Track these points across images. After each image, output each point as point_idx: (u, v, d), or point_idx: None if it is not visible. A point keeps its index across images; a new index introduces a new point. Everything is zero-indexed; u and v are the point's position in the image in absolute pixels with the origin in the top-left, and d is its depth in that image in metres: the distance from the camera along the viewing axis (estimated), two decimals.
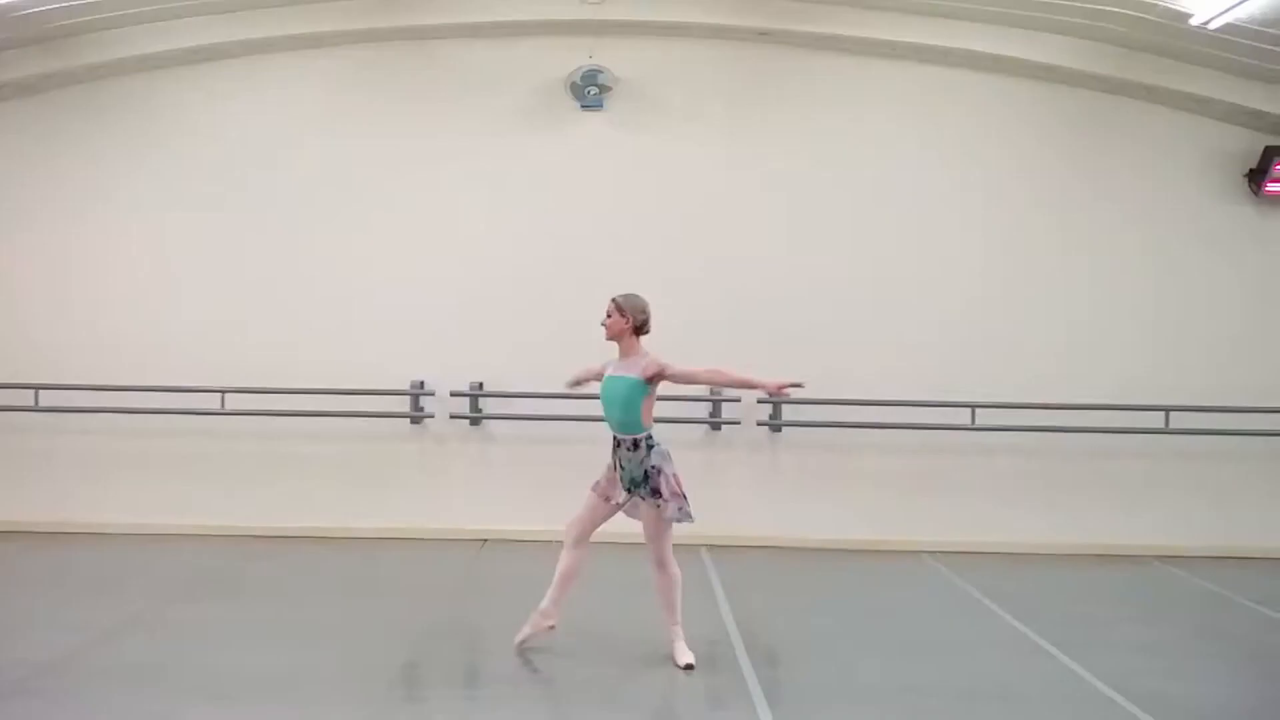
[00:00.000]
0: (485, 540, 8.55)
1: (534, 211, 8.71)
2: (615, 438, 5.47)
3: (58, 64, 8.47)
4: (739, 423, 8.66)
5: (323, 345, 8.68)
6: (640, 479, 5.40)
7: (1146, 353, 8.69)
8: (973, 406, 8.52)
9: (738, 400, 8.61)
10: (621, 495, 5.49)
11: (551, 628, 5.66)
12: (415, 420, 8.71)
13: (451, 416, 8.67)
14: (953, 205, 8.74)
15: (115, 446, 8.71)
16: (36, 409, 8.65)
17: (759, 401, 8.59)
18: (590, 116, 8.67)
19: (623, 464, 5.45)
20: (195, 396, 8.59)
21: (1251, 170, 8.61)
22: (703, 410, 8.64)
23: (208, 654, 5.61)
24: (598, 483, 5.64)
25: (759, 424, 8.66)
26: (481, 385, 8.70)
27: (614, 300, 5.53)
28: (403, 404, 8.72)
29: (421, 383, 8.71)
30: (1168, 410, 8.55)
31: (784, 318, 8.57)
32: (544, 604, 5.66)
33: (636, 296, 5.53)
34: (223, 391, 8.57)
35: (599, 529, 5.69)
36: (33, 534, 8.51)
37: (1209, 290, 8.74)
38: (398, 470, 8.73)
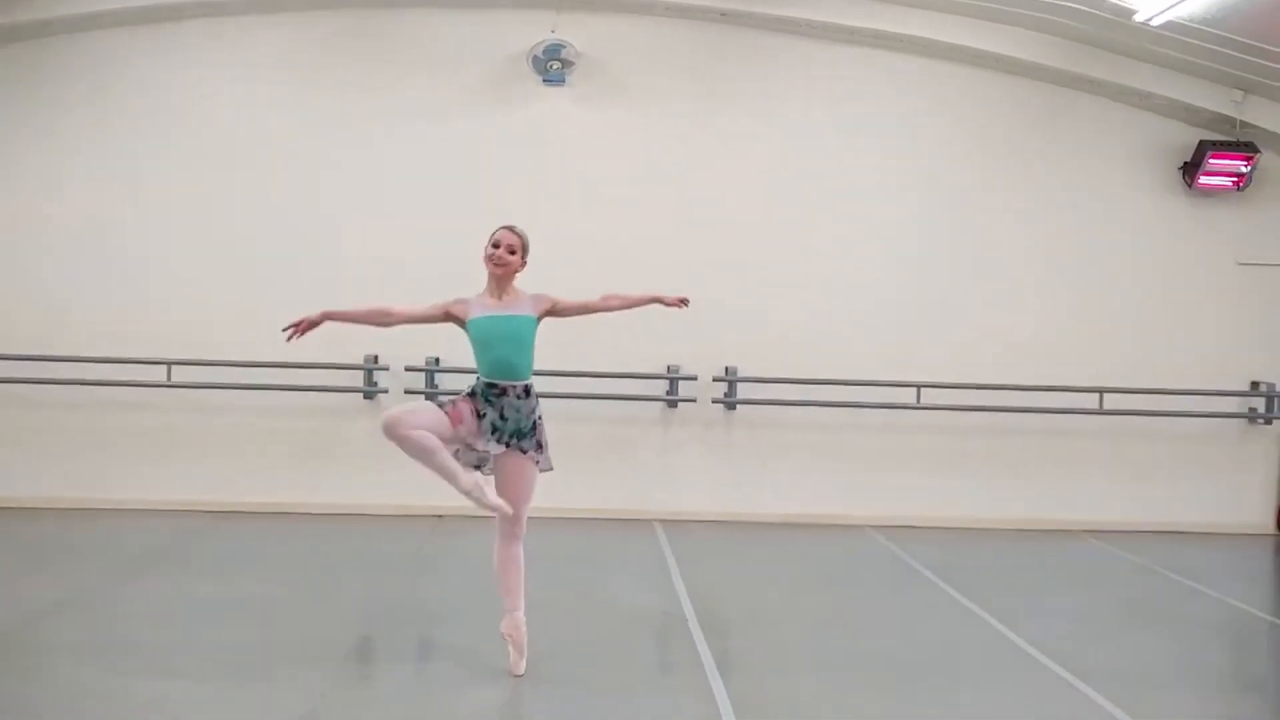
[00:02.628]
0: (440, 516, 8.59)
1: (492, 185, 8.68)
2: (500, 385, 4.84)
3: (5, 19, 8.18)
4: (694, 400, 8.81)
5: (274, 317, 8.50)
6: (528, 430, 4.89)
7: (1082, 337, 9.02)
8: (918, 386, 8.78)
9: (694, 379, 8.76)
10: (494, 447, 4.84)
11: None
12: (369, 395, 8.68)
13: (406, 392, 8.66)
14: (903, 189, 8.95)
15: (58, 419, 8.53)
16: None
17: (714, 380, 8.75)
18: (552, 91, 8.67)
19: (505, 414, 4.84)
20: (140, 369, 8.45)
21: (1186, 163, 8.95)
22: (659, 388, 8.76)
23: (157, 630, 5.56)
24: (449, 406, 4.88)
25: (714, 401, 8.82)
26: (437, 360, 8.70)
27: (515, 232, 5.01)
28: (356, 378, 8.68)
29: (375, 357, 8.67)
30: (1101, 392, 8.91)
31: (738, 296, 8.70)
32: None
33: (526, 232, 5.07)
34: (168, 363, 8.44)
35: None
36: None
37: (1142, 278, 9.09)
38: (351, 445, 8.68)
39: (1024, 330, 8.98)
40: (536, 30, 8.48)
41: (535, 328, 4.99)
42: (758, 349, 8.77)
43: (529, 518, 5.07)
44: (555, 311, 5.03)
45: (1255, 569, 8.35)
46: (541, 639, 5.51)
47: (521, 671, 4.96)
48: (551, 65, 8.48)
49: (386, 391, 8.69)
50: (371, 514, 8.55)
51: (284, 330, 5.00)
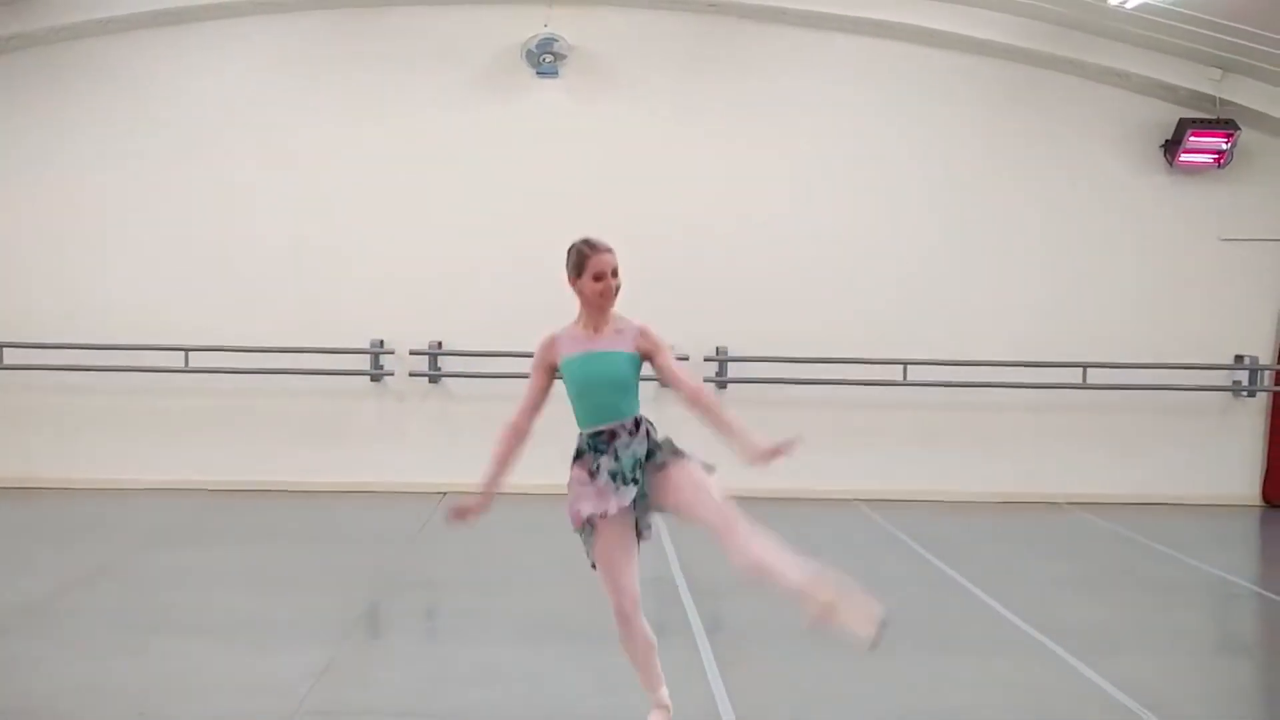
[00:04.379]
0: (444, 494, 8.93)
1: (489, 176, 9.00)
2: (606, 431, 3.93)
3: (17, 26, 8.57)
4: None
5: (285, 305, 8.95)
6: (644, 451, 3.96)
7: (1067, 313, 9.23)
8: (904, 363, 9.04)
9: (686, 359, 9.05)
10: (625, 495, 3.91)
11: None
12: (375, 378, 9.03)
13: (410, 375, 9.01)
14: (887, 172, 9.18)
15: (81, 404, 8.94)
16: (1, 367, 8.84)
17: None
18: (545, 84, 8.96)
19: (619, 455, 3.93)
20: (160, 355, 8.84)
21: (1167, 141, 9.14)
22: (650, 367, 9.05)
23: (177, 596, 5.94)
24: (584, 518, 3.94)
25: (706, 381, 9.11)
26: (440, 344, 9.03)
27: (612, 252, 4.01)
28: (363, 362, 9.03)
29: (381, 341, 9.02)
30: (1085, 367, 9.14)
31: (731, 280, 8.98)
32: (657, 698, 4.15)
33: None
34: (186, 350, 8.82)
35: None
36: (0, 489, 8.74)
37: (1125, 255, 9.28)
38: (358, 427, 9.06)
39: (1009, 307, 9.20)
40: (529, 24, 8.75)
41: (635, 364, 4.00)
42: (748, 329, 9.05)
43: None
44: (656, 363, 4.01)
45: (1237, 539, 8.57)
46: (538, 603, 5.83)
47: None
48: (545, 59, 8.75)
49: (393, 374, 9.04)
50: (378, 491, 8.91)
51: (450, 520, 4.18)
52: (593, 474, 3.93)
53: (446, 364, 9.06)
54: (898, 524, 8.18)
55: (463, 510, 4.06)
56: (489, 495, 4.10)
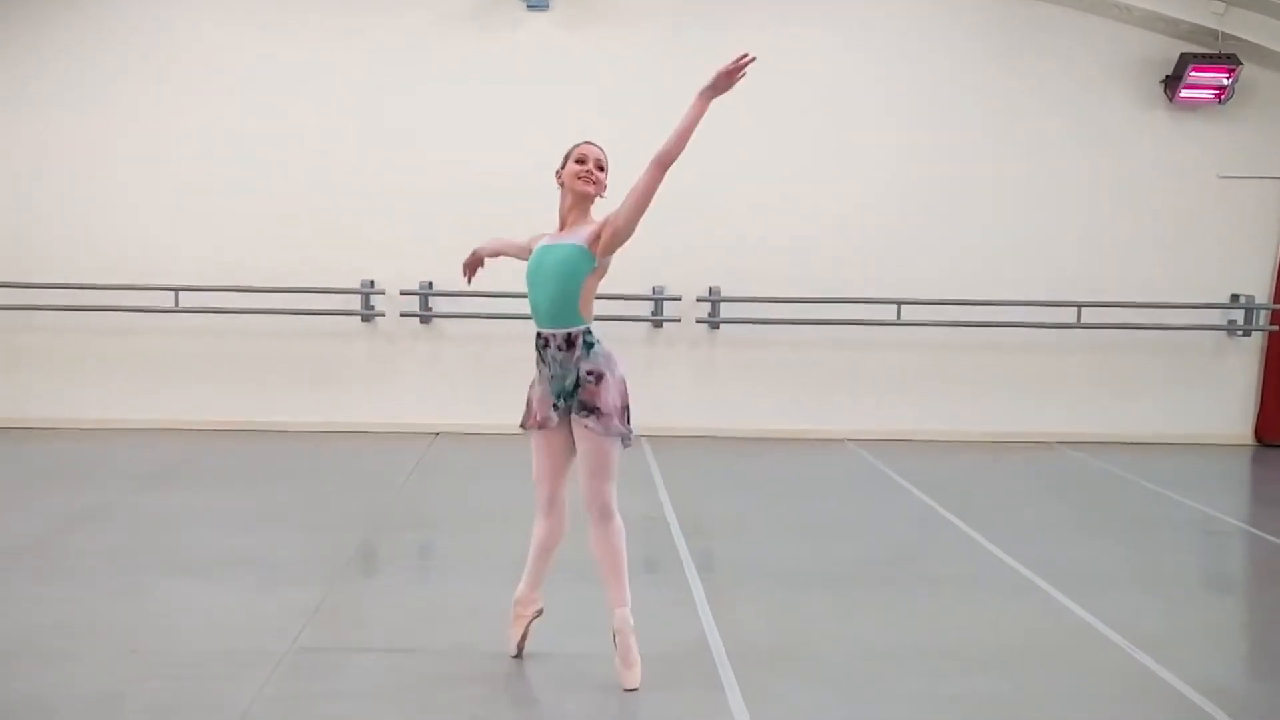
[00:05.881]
0: (437, 434, 8.94)
1: (479, 111, 8.85)
2: (543, 335, 3.98)
3: None
4: (679, 320, 9.07)
5: (275, 245, 8.86)
6: (570, 389, 3.94)
7: (1062, 251, 9.18)
8: (898, 303, 9.00)
9: (679, 299, 9.01)
10: (552, 415, 3.99)
11: (539, 613, 4.29)
12: (366, 318, 8.98)
13: (402, 315, 8.96)
14: (883, 107, 9.05)
15: (72, 344, 8.89)
16: None
17: (697, 300, 8.99)
18: (535, 16, 8.78)
19: (553, 371, 3.97)
20: (150, 295, 8.77)
21: (1167, 77, 9.00)
22: (645, 309, 9.02)
23: (168, 536, 5.95)
24: (527, 413, 4.09)
25: (698, 321, 9.08)
26: (431, 284, 8.96)
27: (604, 152, 4.09)
28: (353, 302, 8.97)
29: (372, 281, 8.95)
30: (1080, 306, 9.11)
31: (721, 217, 8.88)
32: (519, 590, 4.26)
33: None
34: (176, 290, 8.74)
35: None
36: None
37: (1123, 192, 9.19)
38: (349, 367, 9.04)
39: (1004, 245, 9.14)
40: None
41: (584, 261, 3.91)
42: (740, 269, 8.99)
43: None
44: (615, 224, 3.90)
45: (1230, 478, 8.59)
46: (529, 541, 5.83)
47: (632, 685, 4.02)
48: None
49: (384, 315, 8.98)
50: (370, 431, 8.92)
51: (464, 278, 4.47)
52: (540, 373, 4.04)
53: (437, 304, 9.01)
54: (889, 463, 8.22)
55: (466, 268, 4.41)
56: (480, 253, 4.42)
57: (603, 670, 4.14)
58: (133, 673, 4.14)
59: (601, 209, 4.06)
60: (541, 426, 4.04)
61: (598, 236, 3.93)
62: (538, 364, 4.04)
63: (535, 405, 4.08)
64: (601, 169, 4.05)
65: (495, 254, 4.40)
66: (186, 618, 4.72)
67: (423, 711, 3.90)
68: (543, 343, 4.00)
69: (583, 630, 4.50)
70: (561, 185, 4.08)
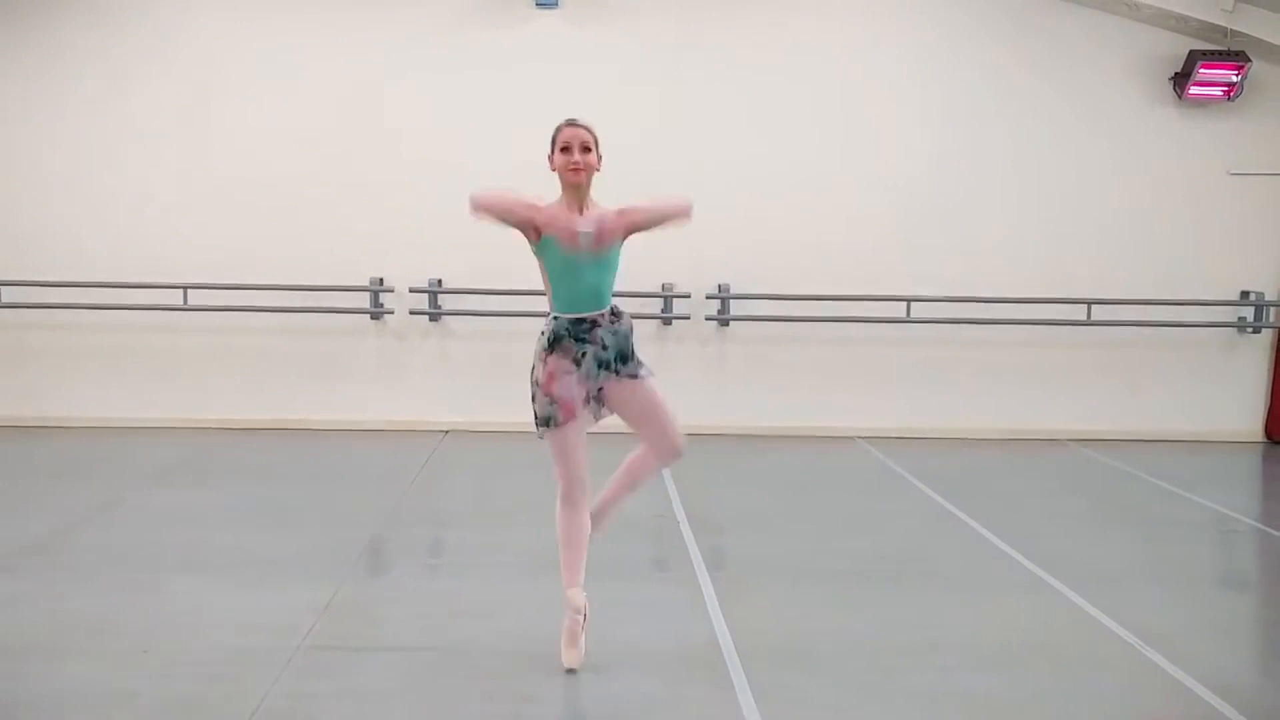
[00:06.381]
0: (447, 431, 8.95)
1: (489, 109, 8.85)
2: (586, 319, 3.97)
3: None
4: (688, 317, 9.07)
5: (284, 243, 8.87)
6: (630, 351, 4.06)
7: (1072, 248, 9.15)
8: (908, 300, 8.98)
9: (688, 296, 9.00)
10: (600, 381, 4.04)
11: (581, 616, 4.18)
12: (375, 316, 8.99)
13: (411, 313, 8.97)
14: (895, 103, 9.03)
15: (81, 342, 8.91)
16: (0, 305, 8.80)
17: (708, 298, 8.99)
18: (544, 14, 8.78)
19: (605, 343, 4.01)
20: (159, 293, 8.79)
21: (1176, 74, 8.97)
22: (655, 306, 9.02)
23: (179, 534, 5.96)
24: (559, 410, 4.00)
25: (708, 319, 9.08)
26: (440, 282, 8.97)
27: (581, 125, 4.04)
28: (363, 300, 8.98)
29: (381, 279, 8.96)
30: (1090, 303, 9.08)
31: (731, 214, 8.83)
32: (579, 598, 4.17)
33: (592, 123, 4.15)
34: (185, 288, 8.76)
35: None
36: (2, 428, 8.75)
37: (1133, 189, 9.16)
38: (359, 365, 9.05)
39: (1014, 242, 9.11)
40: None
41: (618, 250, 4.07)
42: (750, 266, 8.98)
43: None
44: (634, 221, 4.05)
45: (1240, 475, 8.55)
46: (540, 538, 5.84)
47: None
48: None
49: (393, 313, 8.99)
50: (380, 429, 8.93)
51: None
52: (577, 362, 3.97)
53: (446, 302, 9.02)
54: (899, 460, 8.20)
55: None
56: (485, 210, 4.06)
57: (617, 667, 4.14)
58: (145, 670, 4.15)
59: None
60: (575, 418, 4.04)
61: (627, 222, 4.06)
62: (570, 356, 3.98)
63: (566, 399, 3.99)
64: (588, 150, 4.00)
65: (496, 217, 4.04)
66: (198, 615, 4.73)
67: (435, 709, 3.91)
68: (588, 326, 3.99)
69: (593, 627, 4.49)
70: (556, 171, 4.07)
